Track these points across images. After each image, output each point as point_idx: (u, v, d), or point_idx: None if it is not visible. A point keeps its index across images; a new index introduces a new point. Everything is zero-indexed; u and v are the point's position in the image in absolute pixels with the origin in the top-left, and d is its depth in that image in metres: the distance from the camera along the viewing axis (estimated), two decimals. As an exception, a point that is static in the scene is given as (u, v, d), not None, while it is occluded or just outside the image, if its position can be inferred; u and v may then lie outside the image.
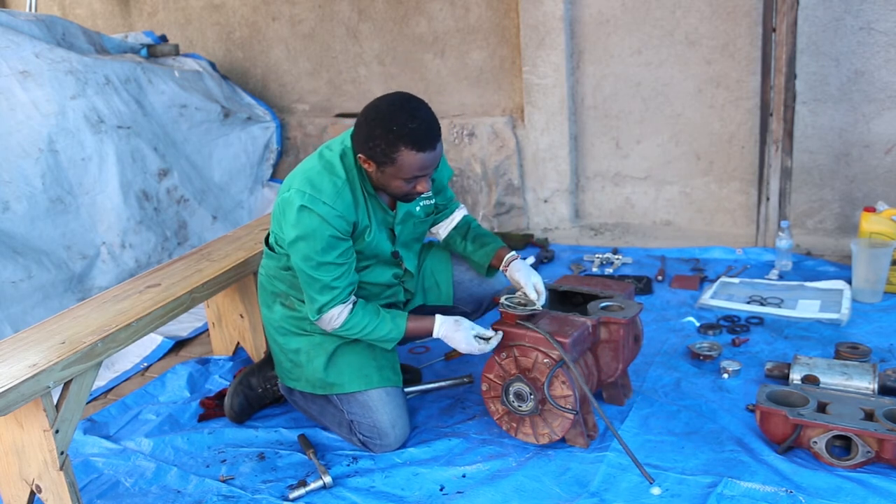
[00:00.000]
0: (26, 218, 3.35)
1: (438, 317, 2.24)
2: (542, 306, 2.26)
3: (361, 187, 2.16)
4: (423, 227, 2.42)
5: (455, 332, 2.20)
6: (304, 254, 2.10)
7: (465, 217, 2.52)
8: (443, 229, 2.51)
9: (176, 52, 4.63)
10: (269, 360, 2.61)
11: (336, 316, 2.17)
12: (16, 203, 3.32)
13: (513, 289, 2.53)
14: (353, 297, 2.20)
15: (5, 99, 3.44)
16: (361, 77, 4.67)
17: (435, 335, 2.23)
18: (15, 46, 3.58)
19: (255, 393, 2.56)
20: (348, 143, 2.17)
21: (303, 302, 2.29)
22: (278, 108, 4.98)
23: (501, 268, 2.35)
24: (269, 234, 2.36)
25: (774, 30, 3.37)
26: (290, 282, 2.29)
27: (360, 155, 2.07)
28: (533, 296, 2.23)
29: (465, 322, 2.22)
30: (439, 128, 2.06)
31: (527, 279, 2.26)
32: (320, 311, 2.16)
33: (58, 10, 5.58)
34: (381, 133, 1.99)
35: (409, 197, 2.15)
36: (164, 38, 4.72)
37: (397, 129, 1.98)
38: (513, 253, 2.36)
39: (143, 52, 4.45)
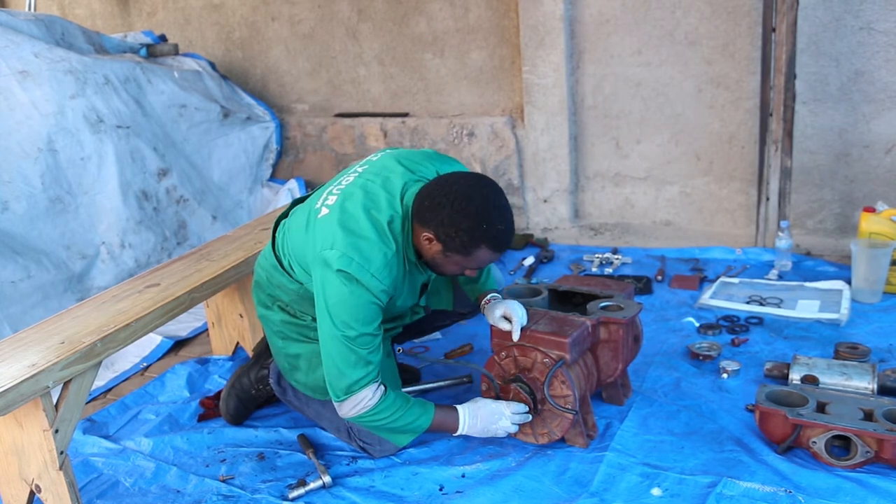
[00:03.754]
0: (25, 218, 3.34)
1: (461, 409, 2.18)
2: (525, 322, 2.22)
3: (405, 256, 2.04)
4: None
5: (487, 421, 2.16)
6: (344, 321, 1.95)
7: None
8: None
9: (175, 51, 4.63)
10: (258, 359, 2.58)
11: (368, 397, 2.02)
12: (15, 203, 3.32)
13: (513, 289, 2.53)
14: (381, 378, 2.08)
15: (4, 99, 3.44)
16: (361, 77, 4.67)
17: (461, 431, 2.18)
18: (14, 46, 3.58)
19: (249, 394, 2.54)
20: (398, 208, 2.01)
21: (305, 313, 2.24)
22: (278, 107, 4.98)
23: (482, 304, 2.30)
24: (274, 238, 2.28)
25: (774, 30, 3.37)
26: (295, 298, 2.23)
27: (426, 233, 1.95)
28: (508, 325, 2.18)
29: (483, 400, 2.19)
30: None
31: (508, 307, 2.20)
32: (350, 390, 2.01)
33: (57, 9, 5.58)
34: (468, 227, 1.89)
35: (451, 276, 2.12)
36: (163, 38, 4.72)
37: (487, 227, 1.89)
38: (493, 295, 2.30)
39: (143, 51, 4.45)
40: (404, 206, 2.02)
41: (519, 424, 2.18)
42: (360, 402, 2.03)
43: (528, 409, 2.16)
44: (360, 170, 2.14)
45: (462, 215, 1.89)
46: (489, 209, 1.91)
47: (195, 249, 2.91)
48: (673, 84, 3.81)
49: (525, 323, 2.17)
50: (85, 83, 3.71)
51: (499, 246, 1.95)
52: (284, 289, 2.23)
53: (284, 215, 2.32)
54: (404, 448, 2.29)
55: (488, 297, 2.28)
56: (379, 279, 1.94)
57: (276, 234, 2.28)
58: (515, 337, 2.14)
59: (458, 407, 2.18)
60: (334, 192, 2.08)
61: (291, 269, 2.17)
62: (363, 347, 1.98)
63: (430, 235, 1.95)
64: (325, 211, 2.04)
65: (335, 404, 2.07)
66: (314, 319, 2.20)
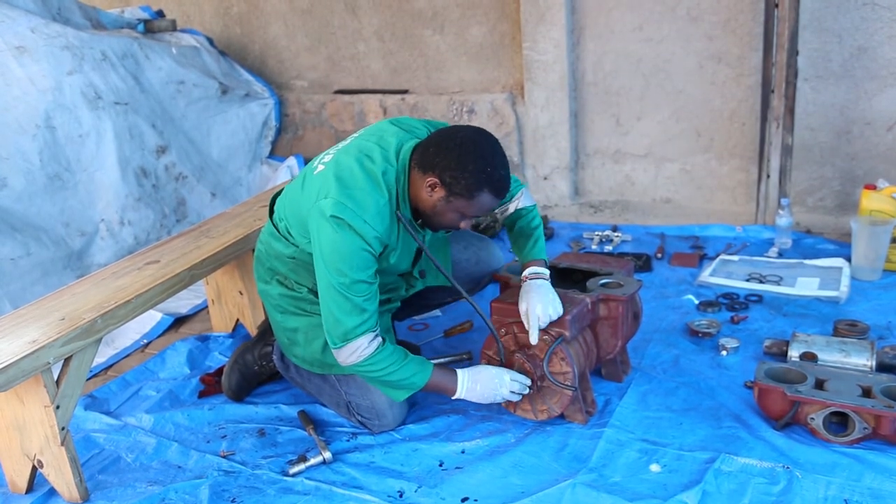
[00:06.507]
0: (24, 195, 3.33)
1: (460, 373, 2.17)
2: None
3: (398, 208, 2.07)
4: (445, 241, 2.41)
5: (487, 387, 2.15)
6: (338, 268, 1.98)
7: (520, 209, 2.39)
8: (512, 206, 2.40)
9: (173, 27, 4.59)
10: (262, 337, 2.60)
11: (364, 346, 2.03)
12: (14, 180, 3.31)
13: (513, 266, 2.53)
14: (378, 329, 2.09)
15: (1, 75, 3.42)
16: (360, 53, 4.64)
17: (459, 395, 2.17)
18: (10, 21, 3.54)
19: (252, 370, 2.55)
20: (393, 162, 2.06)
21: (301, 285, 2.25)
22: (276, 84, 4.94)
23: (521, 277, 2.27)
24: (272, 210, 2.31)
25: (777, 5, 3.34)
26: (292, 266, 2.24)
27: (430, 179, 2.00)
28: (527, 324, 2.14)
29: (484, 366, 2.19)
30: None
31: (531, 304, 2.15)
32: (346, 337, 2.02)
33: (53, -16, 5.52)
34: (473, 169, 1.96)
35: (447, 229, 2.16)
36: (160, 14, 4.68)
37: (491, 171, 1.98)
38: (534, 270, 2.25)
39: (140, 27, 4.41)
40: (400, 161, 2.07)
41: (519, 394, 2.18)
42: (357, 350, 2.04)
43: (530, 380, 2.16)
44: (355, 135, 2.21)
45: (469, 158, 1.96)
46: (493, 155, 2.01)
47: (194, 226, 2.91)
48: (674, 60, 3.78)
49: (553, 319, 2.13)
50: (82, 59, 3.68)
51: (499, 192, 2.02)
52: (281, 258, 2.25)
53: (279, 194, 2.33)
54: (402, 424, 2.31)
55: (527, 271, 2.26)
56: (372, 225, 1.98)
57: (275, 206, 2.31)
58: (532, 341, 2.13)
59: (458, 371, 2.19)
60: (330, 152, 2.16)
61: (288, 233, 2.19)
62: (358, 295, 2.01)
63: (435, 180, 2.00)
64: (320, 167, 2.11)
65: (334, 352, 2.09)
66: (310, 291, 2.24)
